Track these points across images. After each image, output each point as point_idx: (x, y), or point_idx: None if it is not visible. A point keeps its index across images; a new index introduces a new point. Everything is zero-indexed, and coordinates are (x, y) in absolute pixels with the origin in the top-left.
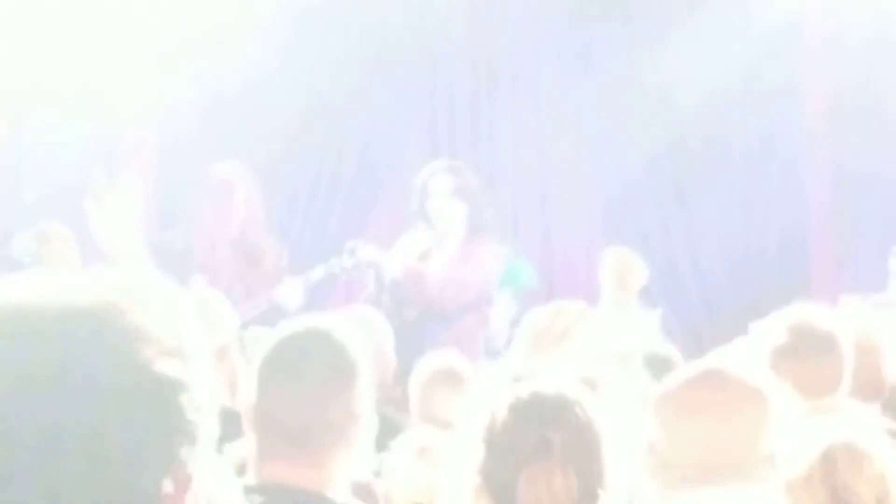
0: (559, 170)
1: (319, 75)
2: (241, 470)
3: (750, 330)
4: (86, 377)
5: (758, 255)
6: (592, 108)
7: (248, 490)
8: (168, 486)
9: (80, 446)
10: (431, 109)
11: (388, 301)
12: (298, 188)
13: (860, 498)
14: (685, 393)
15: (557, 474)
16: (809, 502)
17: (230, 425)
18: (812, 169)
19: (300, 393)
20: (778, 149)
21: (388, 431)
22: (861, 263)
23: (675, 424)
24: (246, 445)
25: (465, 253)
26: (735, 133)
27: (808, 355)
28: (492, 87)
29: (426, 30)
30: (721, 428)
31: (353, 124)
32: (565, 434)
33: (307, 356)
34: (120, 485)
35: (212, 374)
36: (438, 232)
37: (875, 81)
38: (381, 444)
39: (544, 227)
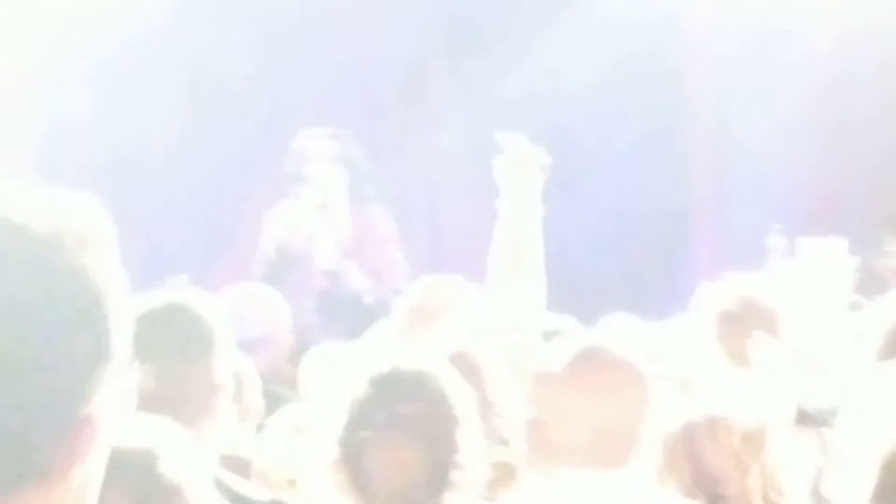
0: (447, 152)
1: (206, 50)
2: None
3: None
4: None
5: (642, 235)
6: (480, 91)
7: None
8: (87, 409)
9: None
10: (319, 89)
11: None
12: (190, 164)
13: (721, 471)
14: (566, 371)
15: (404, 447)
16: (675, 477)
17: None
18: (694, 152)
19: (159, 366)
20: (661, 133)
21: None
22: (740, 242)
23: (556, 402)
24: None
25: (361, 231)
26: (619, 122)
27: (750, 329)
28: (382, 69)
29: (318, 8)
30: (601, 407)
31: (241, 101)
32: (417, 408)
33: (165, 329)
34: (37, 399)
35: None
36: (316, 198)
37: (755, 69)
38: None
39: (431, 221)
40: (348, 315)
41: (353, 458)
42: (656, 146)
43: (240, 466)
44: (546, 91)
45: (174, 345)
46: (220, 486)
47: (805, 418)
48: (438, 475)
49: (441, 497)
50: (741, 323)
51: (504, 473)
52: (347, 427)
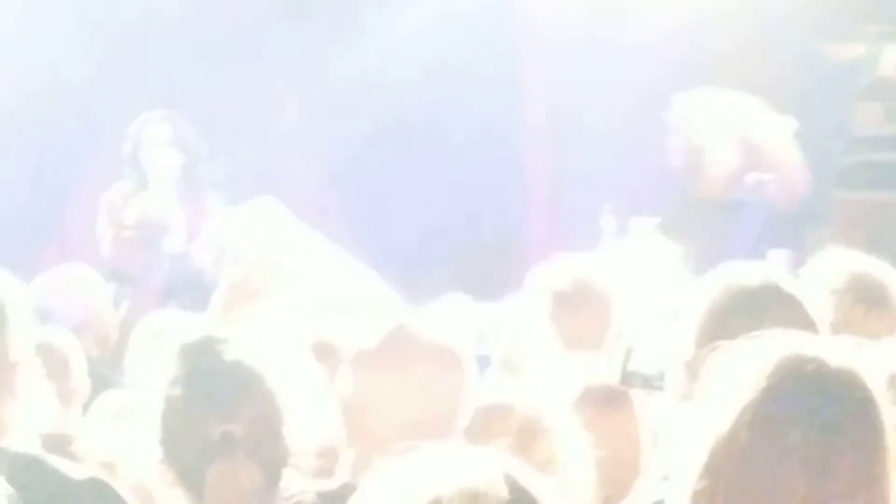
0: (284, 140)
1: (53, 42)
2: None
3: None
4: None
5: (477, 217)
6: (316, 83)
7: None
8: None
9: None
10: (151, 86)
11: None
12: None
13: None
14: (378, 351)
15: (242, 472)
16: None
17: None
18: (528, 136)
19: None
20: (495, 118)
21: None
22: (575, 224)
23: (370, 384)
24: None
25: (197, 212)
26: (455, 108)
27: (582, 309)
28: (214, 59)
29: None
30: (415, 387)
31: (78, 85)
32: (246, 422)
33: None
34: None
35: None
36: (149, 181)
37: (589, 58)
38: None
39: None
40: (192, 294)
41: (183, 468)
42: (491, 132)
43: (61, 446)
44: (381, 80)
45: None
46: (36, 463)
47: (628, 379)
48: (271, 476)
49: (274, 492)
50: (573, 303)
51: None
52: (173, 435)
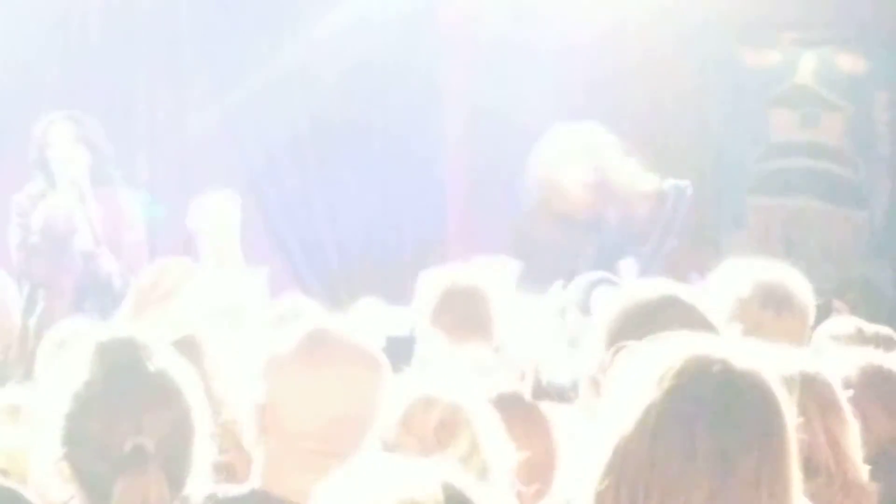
0: (199, 143)
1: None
2: None
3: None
4: None
5: (397, 221)
6: (235, 82)
7: None
8: None
9: None
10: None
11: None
12: None
13: (422, 443)
14: (295, 354)
15: (152, 486)
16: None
17: None
18: (448, 141)
19: None
20: (416, 122)
21: None
22: (493, 227)
23: (286, 386)
24: None
25: (107, 212)
26: (374, 108)
27: (459, 307)
28: (129, 60)
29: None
30: (332, 390)
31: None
32: (160, 436)
33: None
34: None
35: None
36: (58, 180)
37: (510, 63)
38: None
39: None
40: (101, 298)
41: (88, 476)
42: (412, 134)
43: None
44: (301, 80)
45: None
46: None
47: (541, 392)
48: (176, 489)
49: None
50: (451, 303)
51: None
52: (77, 442)
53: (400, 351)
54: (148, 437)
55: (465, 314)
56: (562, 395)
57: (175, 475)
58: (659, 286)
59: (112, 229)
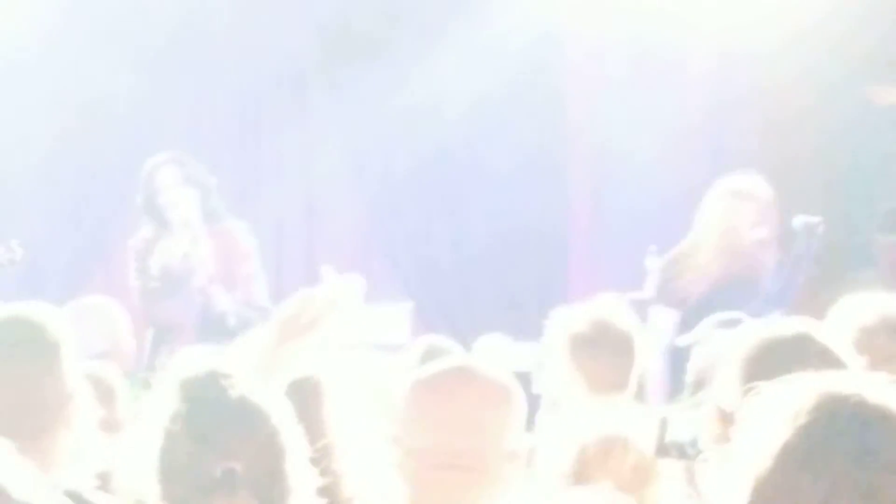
0: (325, 180)
1: (91, 69)
2: None
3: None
4: None
5: (519, 258)
6: (358, 119)
7: None
8: None
9: None
10: (195, 118)
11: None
12: (70, 188)
13: (618, 482)
14: (432, 385)
15: None
16: None
17: None
18: (573, 175)
19: (6, 377)
20: (541, 158)
21: None
22: (619, 264)
23: (422, 418)
24: None
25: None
26: (500, 143)
27: (604, 351)
28: (258, 95)
29: (192, 39)
30: (467, 415)
31: (118, 125)
32: (249, 460)
33: (7, 340)
34: None
35: None
36: (172, 224)
37: (633, 95)
38: None
39: (308, 238)
40: (217, 336)
41: None
42: (535, 168)
43: (104, 479)
44: (426, 111)
45: (19, 355)
46: (74, 497)
47: (665, 450)
48: None
49: None
50: (593, 345)
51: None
52: (174, 482)
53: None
54: (237, 461)
55: (610, 362)
56: (683, 452)
57: (267, 498)
58: (792, 323)
59: (225, 263)
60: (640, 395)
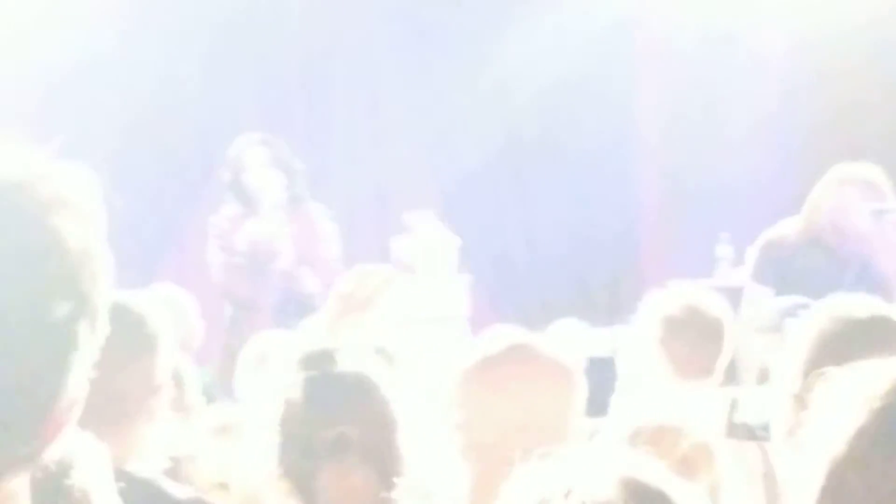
0: (395, 166)
1: (166, 64)
2: None
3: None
4: None
5: (590, 243)
6: (429, 104)
7: None
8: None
9: None
10: (265, 105)
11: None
12: (144, 182)
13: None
14: (491, 368)
15: (356, 472)
16: None
17: None
18: (643, 161)
19: (99, 364)
20: (610, 142)
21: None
22: (689, 251)
23: (482, 400)
24: None
25: (301, 230)
26: (569, 127)
27: (694, 335)
28: (327, 83)
29: (261, 25)
30: (529, 402)
31: (197, 118)
32: (363, 426)
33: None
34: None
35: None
36: (255, 204)
37: (704, 81)
38: None
39: (380, 225)
40: (302, 316)
41: (297, 477)
42: (606, 154)
43: (176, 467)
44: (497, 100)
45: (115, 342)
46: (150, 486)
47: (735, 431)
48: (385, 484)
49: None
50: (684, 330)
51: None
52: (288, 445)
53: (602, 372)
54: (350, 427)
55: (699, 347)
56: (752, 433)
57: (381, 466)
58: (868, 304)
59: (308, 247)
60: (732, 380)
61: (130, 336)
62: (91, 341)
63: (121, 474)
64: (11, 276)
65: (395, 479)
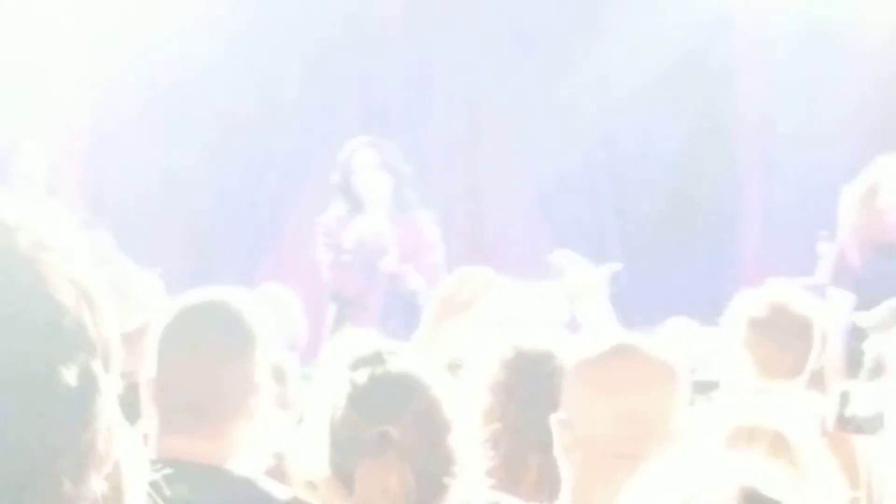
0: (492, 163)
1: (269, 67)
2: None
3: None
4: None
5: (690, 241)
6: (526, 101)
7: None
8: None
9: None
10: (364, 104)
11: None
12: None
13: None
14: (597, 368)
15: (392, 471)
16: None
17: None
18: (743, 157)
19: (198, 363)
20: (710, 138)
21: None
22: (790, 248)
23: (588, 400)
24: (146, 420)
25: (407, 235)
26: (668, 123)
27: (780, 335)
28: (425, 81)
29: (361, 28)
30: (634, 402)
31: (299, 120)
32: (405, 426)
33: (205, 326)
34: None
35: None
36: (363, 205)
37: (805, 74)
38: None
39: (476, 222)
40: (406, 315)
41: (345, 478)
42: (705, 150)
43: (277, 462)
44: (593, 97)
45: (213, 342)
46: (248, 485)
47: (844, 424)
48: (430, 485)
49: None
50: (770, 329)
51: None
52: (337, 448)
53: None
54: (393, 426)
55: (786, 347)
56: (860, 427)
57: (424, 467)
58: None
59: (412, 251)
60: (819, 379)
61: (227, 335)
62: (108, 378)
63: (219, 473)
64: (16, 349)
65: (444, 480)
